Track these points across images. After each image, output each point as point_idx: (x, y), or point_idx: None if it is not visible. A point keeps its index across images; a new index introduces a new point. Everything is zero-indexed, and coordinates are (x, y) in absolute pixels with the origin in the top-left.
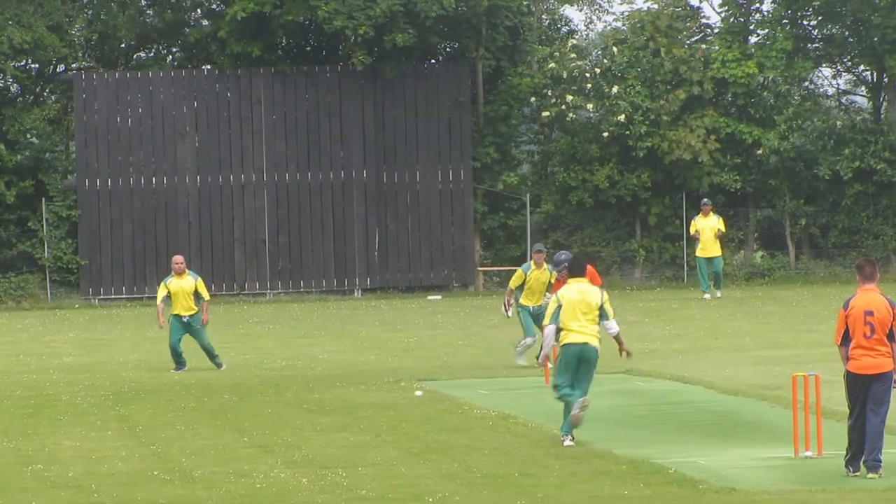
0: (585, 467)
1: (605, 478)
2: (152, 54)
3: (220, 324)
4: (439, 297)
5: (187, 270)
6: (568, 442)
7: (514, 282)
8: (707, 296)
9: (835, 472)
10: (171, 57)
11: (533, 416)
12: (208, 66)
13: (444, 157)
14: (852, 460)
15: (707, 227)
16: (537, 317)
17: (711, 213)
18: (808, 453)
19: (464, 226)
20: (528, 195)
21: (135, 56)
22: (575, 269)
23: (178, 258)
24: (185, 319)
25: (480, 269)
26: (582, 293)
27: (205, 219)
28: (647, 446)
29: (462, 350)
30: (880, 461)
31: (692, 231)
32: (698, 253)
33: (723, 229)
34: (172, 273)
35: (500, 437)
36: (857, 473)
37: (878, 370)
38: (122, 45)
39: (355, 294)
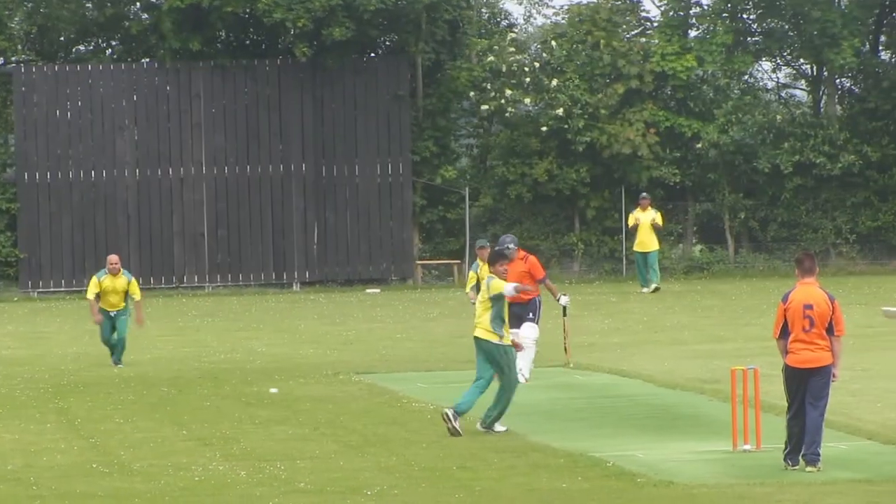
0: (523, 461)
1: (543, 471)
2: (92, 47)
3: (158, 317)
4: (378, 290)
5: (122, 270)
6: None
7: (468, 285)
8: (645, 290)
9: (773, 465)
10: (110, 50)
11: (472, 410)
12: (147, 60)
13: (382, 150)
14: (791, 454)
15: (645, 220)
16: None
17: (650, 208)
18: (747, 447)
19: (402, 219)
20: (466, 189)
21: (74, 49)
22: (493, 260)
23: (114, 258)
24: (111, 314)
25: (419, 262)
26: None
27: (144, 212)
28: (585, 440)
29: (401, 343)
30: (819, 455)
31: (630, 223)
32: (636, 247)
33: (660, 223)
34: (106, 271)
35: (438, 431)
36: (796, 467)
37: (816, 364)
38: (62, 39)
39: (294, 287)
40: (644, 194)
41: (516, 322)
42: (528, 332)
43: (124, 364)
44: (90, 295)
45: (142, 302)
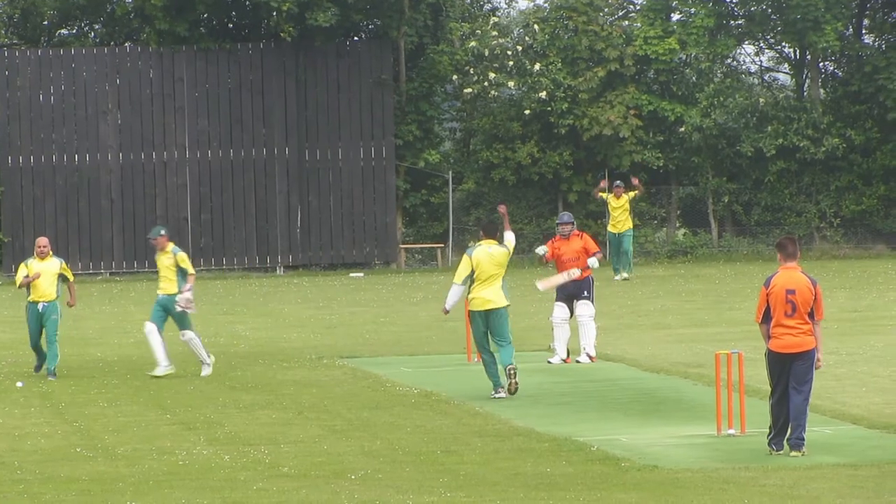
0: (508, 445)
1: (528, 455)
2: (75, 31)
3: (142, 301)
4: (361, 274)
5: (51, 253)
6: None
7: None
8: (617, 277)
9: (758, 449)
10: (93, 34)
11: (455, 393)
12: (130, 44)
13: (366, 134)
14: (775, 439)
15: (618, 206)
16: None
17: (624, 196)
18: (731, 431)
19: (386, 203)
20: (450, 173)
21: (58, 33)
22: (488, 231)
23: (43, 240)
24: (39, 307)
25: (402, 246)
26: (491, 255)
27: (127, 196)
28: (569, 424)
29: (384, 327)
30: (803, 439)
31: (598, 194)
32: (609, 228)
33: (638, 192)
34: (35, 256)
35: (422, 415)
36: (781, 452)
37: (799, 348)
38: (45, 23)
39: (277, 271)
40: (618, 182)
41: (567, 300)
42: (584, 311)
43: (57, 376)
44: (18, 280)
45: (74, 283)
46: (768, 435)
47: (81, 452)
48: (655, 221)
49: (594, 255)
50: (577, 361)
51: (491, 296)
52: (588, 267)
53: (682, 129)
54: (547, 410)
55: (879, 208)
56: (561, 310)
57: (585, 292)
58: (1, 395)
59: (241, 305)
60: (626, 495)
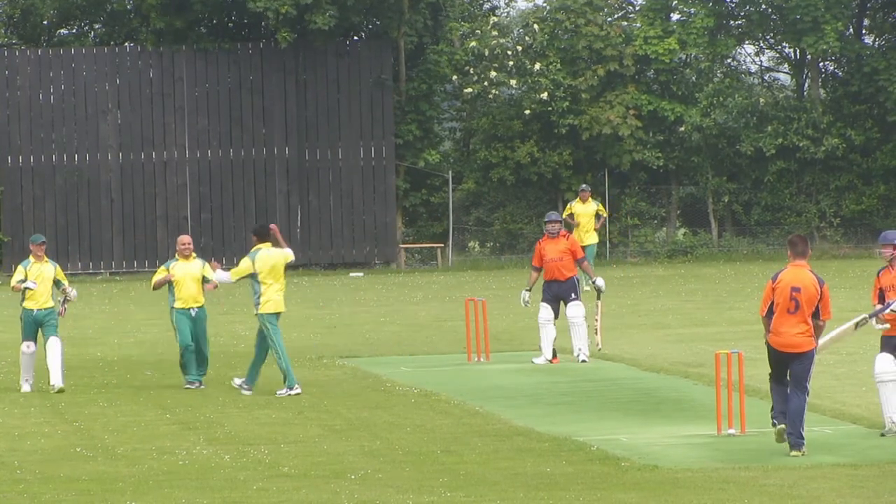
0: (507, 444)
1: (528, 455)
2: (75, 31)
3: (142, 301)
4: (361, 274)
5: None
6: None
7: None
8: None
9: (758, 449)
10: (93, 34)
11: (455, 393)
12: (130, 44)
13: (366, 134)
14: (778, 415)
15: (584, 213)
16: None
17: (590, 200)
18: (731, 431)
19: (386, 203)
20: (450, 172)
21: (57, 33)
22: (262, 234)
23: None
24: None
25: (402, 246)
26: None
27: (127, 196)
28: (569, 424)
29: (384, 327)
30: (803, 439)
31: (565, 214)
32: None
33: (604, 213)
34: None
35: (422, 415)
36: (783, 425)
37: (797, 349)
38: (45, 22)
39: None
40: (584, 186)
41: (552, 301)
42: (576, 312)
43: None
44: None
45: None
46: (771, 410)
47: (81, 452)
48: (655, 221)
49: (581, 261)
50: (584, 361)
51: (282, 298)
52: (592, 281)
53: (682, 128)
54: (547, 410)
55: (879, 208)
56: (546, 311)
57: (573, 294)
58: (1, 395)
59: (240, 305)
60: (626, 495)
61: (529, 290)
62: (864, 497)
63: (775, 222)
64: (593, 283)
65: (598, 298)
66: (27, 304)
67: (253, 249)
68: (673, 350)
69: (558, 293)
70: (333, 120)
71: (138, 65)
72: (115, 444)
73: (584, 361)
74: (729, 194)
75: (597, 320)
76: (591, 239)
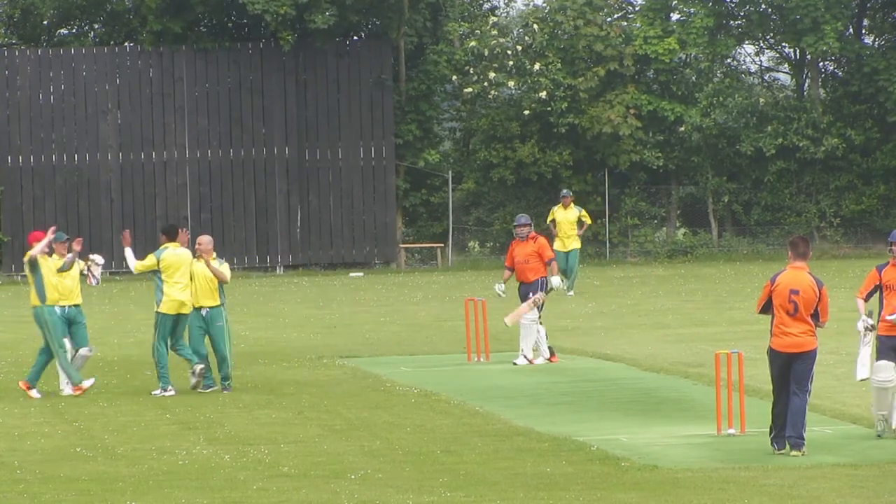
0: (507, 444)
1: (528, 455)
2: (74, 31)
3: (142, 302)
4: (361, 274)
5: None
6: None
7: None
8: (570, 293)
9: (758, 449)
10: (93, 33)
11: (455, 393)
12: (130, 44)
13: (366, 134)
14: (777, 438)
15: (566, 220)
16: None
17: (572, 206)
18: (731, 431)
19: (386, 203)
20: (450, 172)
21: (57, 33)
22: (170, 234)
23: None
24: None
25: (402, 246)
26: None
27: (127, 196)
28: (569, 424)
29: (384, 327)
30: (804, 439)
31: (548, 220)
32: (556, 246)
33: (588, 221)
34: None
35: (422, 415)
36: (783, 451)
37: (800, 349)
38: (45, 22)
39: (277, 271)
40: (565, 192)
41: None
42: (526, 313)
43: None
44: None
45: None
46: (770, 433)
47: (81, 452)
48: (655, 221)
49: (550, 262)
50: (514, 364)
51: (186, 298)
52: (545, 288)
53: (682, 128)
54: (547, 410)
55: (879, 208)
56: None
57: (532, 294)
58: (1, 394)
59: (240, 305)
60: (625, 495)
61: (503, 284)
62: (864, 497)
63: (775, 222)
64: (551, 281)
65: (545, 290)
66: (61, 298)
67: (161, 247)
68: (673, 350)
69: (524, 294)
70: (333, 120)
71: (138, 65)
72: (115, 444)
73: (514, 364)
74: (729, 194)
75: (526, 308)
76: (575, 244)
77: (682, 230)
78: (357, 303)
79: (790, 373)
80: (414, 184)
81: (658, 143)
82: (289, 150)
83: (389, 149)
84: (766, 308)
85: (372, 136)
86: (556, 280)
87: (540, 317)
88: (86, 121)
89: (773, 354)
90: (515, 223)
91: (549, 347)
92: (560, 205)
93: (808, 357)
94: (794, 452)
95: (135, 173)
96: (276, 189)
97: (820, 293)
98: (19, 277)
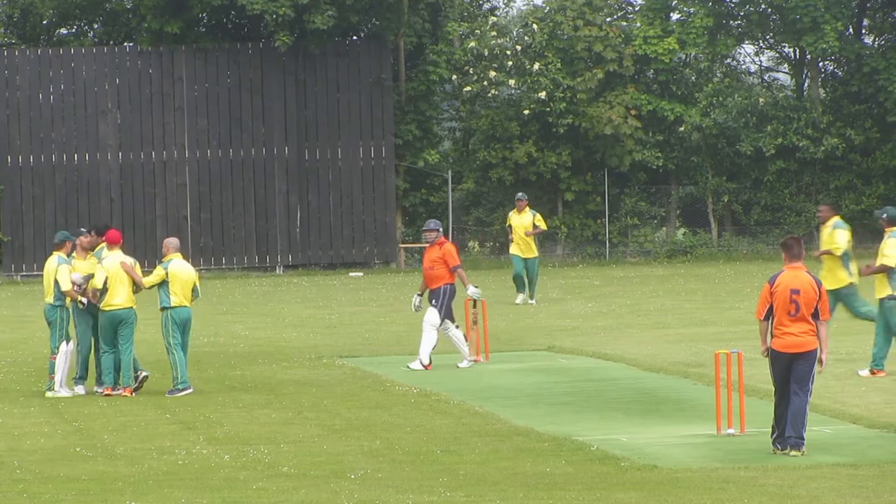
0: (507, 444)
1: (528, 455)
2: (74, 30)
3: (142, 301)
4: (361, 273)
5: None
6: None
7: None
8: (518, 300)
9: (758, 449)
10: (92, 33)
11: (455, 393)
12: (130, 44)
13: (365, 133)
14: (779, 438)
15: (520, 224)
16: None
17: (527, 209)
18: (731, 431)
19: (385, 203)
20: (449, 172)
21: (57, 32)
22: (103, 234)
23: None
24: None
25: (402, 245)
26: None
27: (127, 196)
28: (569, 423)
29: (384, 327)
30: (803, 439)
31: (507, 224)
32: (512, 250)
33: (542, 226)
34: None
35: (422, 415)
36: (784, 451)
37: (801, 349)
38: (44, 22)
39: (277, 271)
40: (520, 195)
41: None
42: (429, 318)
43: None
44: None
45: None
46: (772, 434)
47: (81, 452)
48: (655, 221)
49: (455, 269)
50: (408, 367)
51: (125, 300)
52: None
53: (682, 128)
54: (547, 410)
55: (879, 208)
56: (432, 315)
57: (434, 301)
58: (1, 394)
59: (240, 305)
60: (625, 495)
61: (420, 295)
62: (864, 497)
63: (775, 222)
64: (467, 290)
65: (474, 307)
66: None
67: (97, 248)
68: (673, 350)
69: (431, 299)
70: (333, 120)
71: (138, 64)
72: (115, 443)
73: (408, 367)
74: (729, 194)
75: (468, 331)
76: (530, 252)
77: (682, 230)
78: (357, 302)
79: (791, 374)
80: (413, 184)
81: (658, 143)
82: (288, 150)
83: (389, 149)
84: (769, 315)
85: (371, 136)
86: (472, 289)
87: (454, 322)
88: (85, 121)
89: (775, 355)
90: (424, 228)
91: (431, 357)
92: (515, 209)
93: (809, 357)
94: (793, 452)
95: (134, 173)
96: (275, 189)
97: (819, 291)
98: (19, 277)
